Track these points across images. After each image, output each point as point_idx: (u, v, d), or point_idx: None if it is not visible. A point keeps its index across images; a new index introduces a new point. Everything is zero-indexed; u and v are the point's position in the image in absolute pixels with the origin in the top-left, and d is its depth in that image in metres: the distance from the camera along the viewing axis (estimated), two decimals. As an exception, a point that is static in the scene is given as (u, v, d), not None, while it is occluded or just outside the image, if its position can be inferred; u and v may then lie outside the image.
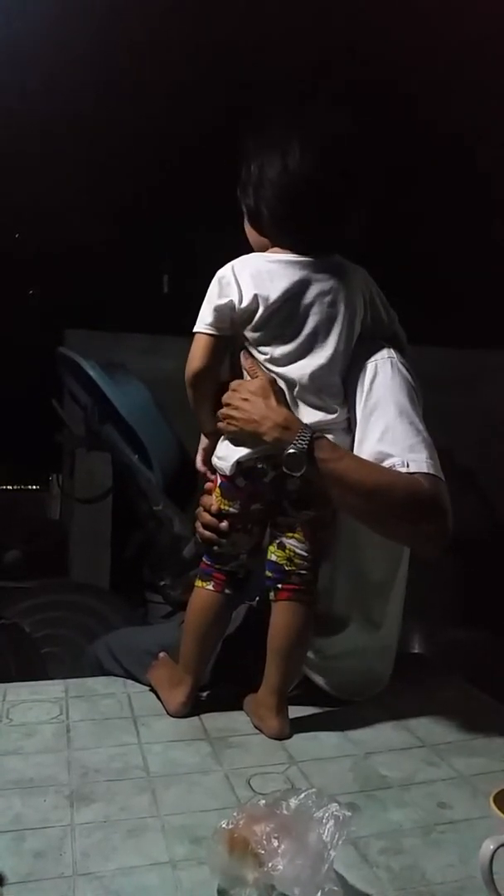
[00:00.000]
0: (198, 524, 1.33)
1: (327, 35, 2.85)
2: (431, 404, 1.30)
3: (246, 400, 1.22)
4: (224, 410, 1.25)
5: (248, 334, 1.25)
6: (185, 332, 1.30)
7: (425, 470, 1.18)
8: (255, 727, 1.28)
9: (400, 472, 1.18)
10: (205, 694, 1.37)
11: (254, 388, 1.23)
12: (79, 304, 3.56)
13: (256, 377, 1.25)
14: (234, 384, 1.27)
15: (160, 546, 2.69)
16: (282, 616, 1.26)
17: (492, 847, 0.81)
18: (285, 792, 0.89)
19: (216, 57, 2.98)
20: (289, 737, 1.25)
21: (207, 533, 1.30)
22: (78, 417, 2.94)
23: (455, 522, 1.18)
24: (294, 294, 1.23)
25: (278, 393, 1.23)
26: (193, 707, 1.32)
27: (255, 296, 1.22)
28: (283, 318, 1.23)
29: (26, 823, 0.99)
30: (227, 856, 0.83)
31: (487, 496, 3.07)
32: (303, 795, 0.86)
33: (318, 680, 1.36)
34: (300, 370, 1.23)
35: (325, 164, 1.22)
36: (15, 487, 3.96)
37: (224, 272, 1.25)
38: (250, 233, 1.32)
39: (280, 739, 1.25)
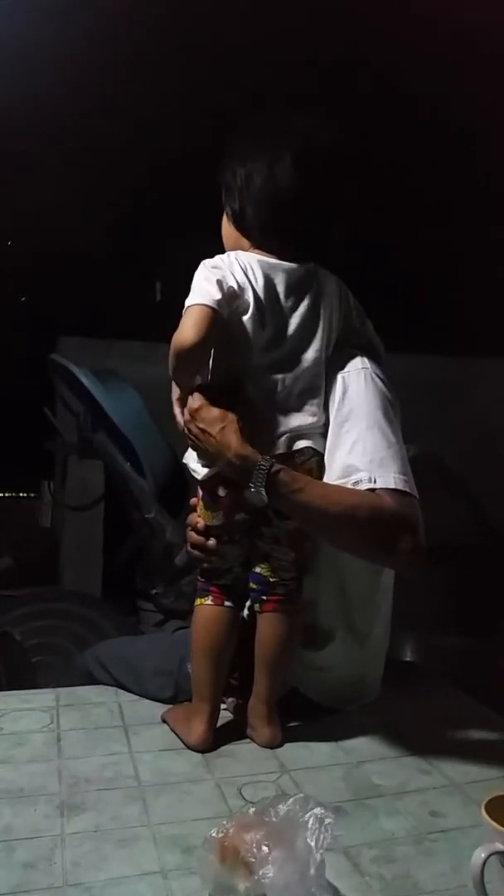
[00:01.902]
0: (188, 546, 1.31)
1: (325, 34, 2.86)
2: (423, 411, 1.30)
3: (203, 431, 1.19)
4: (187, 427, 1.23)
5: (235, 328, 1.20)
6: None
7: (392, 486, 1.15)
8: (247, 736, 1.27)
9: (364, 492, 1.16)
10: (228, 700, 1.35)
11: (211, 418, 1.18)
12: (72, 311, 3.56)
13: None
14: (192, 406, 1.21)
15: (152, 554, 2.68)
16: (268, 627, 1.26)
17: (483, 855, 0.81)
18: (274, 798, 0.88)
19: (214, 60, 2.99)
20: (280, 745, 1.25)
21: (196, 552, 1.28)
22: (70, 425, 2.94)
23: (446, 529, 1.18)
24: (277, 294, 1.23)
25: (236, 423, 1.17)
26: (216, 739, 1.25)
27: (246, 284, 1.20)
28: (268, 316, 1.22)
29: (16, 833, 0.98)
30: (219, 865, 0.83)
31: (479, 503, 3.08)
32: (290, 801, 0.86)
33: (308, 692, 1.35)
34: (283, 372, 1.23)
35: (312, 173, 1.22)
36: (6, 495, 3.95)
37: (213, 260, 1.23)
38: (228, 233, 1.32)
39: (272, 748, 1.24)
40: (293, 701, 1.33)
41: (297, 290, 1.24)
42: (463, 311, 3.43)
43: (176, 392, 1.29)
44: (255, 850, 0.80)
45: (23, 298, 4.13)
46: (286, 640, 1.26)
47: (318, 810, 0.83)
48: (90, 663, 1.55)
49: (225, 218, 1.32)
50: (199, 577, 1.29)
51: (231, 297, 1.19)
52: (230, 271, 1.21)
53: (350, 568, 1.33)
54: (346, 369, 1.26)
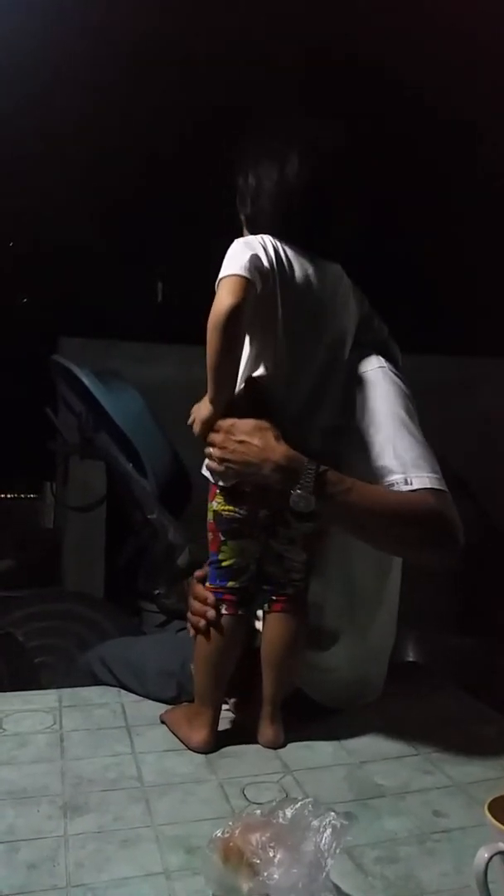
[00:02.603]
0: (189, 614, 1.27)
1: (327, 27, 2.86)
2: (425, 411, 1.30)
3: (242, 442, 1.16)
4: (217, 452, 1.19)
5: (265, 310, 1.18)
6: (180, 339, 1.29)
7: (429, 486, 1.17)
8: (251, 735, 1.27)
9: (405, 493, 1.17)
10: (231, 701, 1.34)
11: (248, 428, 1.17)
12: (73, 311, 3.56)
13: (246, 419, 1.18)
14: (223, 424, 1.19)
15: (154, 555, 2.68)
16: (276, 627, 1.26)
17: (486, 855, 0.81)
18: (281, 801, 0.88)
19: (214, 60, 2.99)
20: (283, 746, 1.25)
21: (195, 618, 1.25)
22: (72, 425, 2.93)
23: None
24: (306, 280, 1.21)
25: (275, 430, 1.17)
26: (217, 741, 1.25)
27: (276, 264, 1.18)
28: (298, 300, 1.20)
29: (19, 834, 0.98)
30: (222, 865, 0.83)
31: (481, 502, 3.07)
32: (298, 805, 0.86)
33: (312, 693, 1.35)
34: (308, 365, 1.22)
35: (322, 174, 1.23)
36: (8, 496, 3.95)
37: (246, 238, 1.22)
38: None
39: (275, 748, 1.24)
40: (296, 701, 1.33)
41: (320, 282, 1.23)
42: (463, 310, 3.43)
43: (204, 411, 1.23)
44: (260, 851, 0.80)
45: (24, 299, 4.13)
46: (293, 640, 1.26)
47: (331, 815, 0.83)
48: (93, 663, 1.55)
49: (244, 227, 1.31)
50: (210, 584, 1.26)
51: (263, 273, 1.15)
52: (263, 249, 1.18)
53: (359, 568, 1.33)
54: (363, 368, 1.27)
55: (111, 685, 1.48)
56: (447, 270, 3.47)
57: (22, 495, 3.91)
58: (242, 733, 1.28)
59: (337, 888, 0.86)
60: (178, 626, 1.48)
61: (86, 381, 2.71)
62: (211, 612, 1.23)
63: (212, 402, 1.20)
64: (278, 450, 1.15)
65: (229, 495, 1.23)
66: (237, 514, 1.23)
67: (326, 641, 1.35)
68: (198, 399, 1.25)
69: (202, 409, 1.22)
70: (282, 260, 1.20)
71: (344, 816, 0.84)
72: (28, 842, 0.97)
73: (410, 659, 2.31)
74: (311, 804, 0.85)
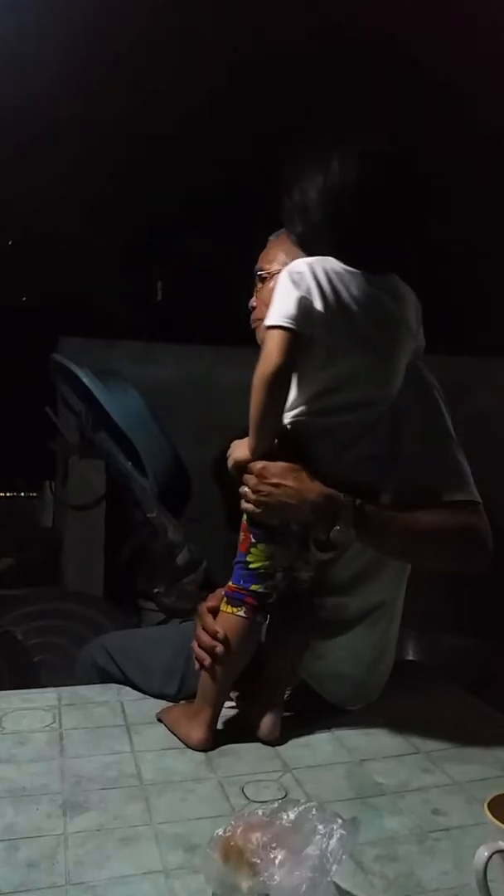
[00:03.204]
0: (195, 646, 1.26)
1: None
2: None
3: (277, 485, 1.17)
4: (252, 496, 1.20)
5: (319, 343, 1.17)
6: (179, 339, 1.29)
7: (465, 497, 1.22)
8: (249, 729, 1.26)
9: (442, 511, 1.21)
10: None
11: (280, 470, 1.19)
12: (73, 311, 3.56)
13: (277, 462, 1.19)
14: (254, 467, 1.20)
15: (154, 553, 2.68)
16: (282, 627, 1.27)
17: (486, 854, 0.81)
18: (284, 803, 0.89)
19: (215, 58, 2.98)
20: (281, 742, 1.25)
21: (201, 653, 1.23)
22: (72, 424, 2.94)
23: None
24: (364, 305, 1.18)
25: (304, 470, 1.19)
26: (216, 740, 1.24)
27: (332, 295, 1.16)
28: (354, 328, 1.18)
29: (19, 832, 0.98)
30: (222, 864, 0.83)
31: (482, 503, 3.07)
32: (302, 808, 0.86)
33: (318, 689, 1.35)
34: (366, 386, 1.21)
35: (376, 183, 1.19)
36: (8, 494, 3.95)
37: (298, 267, 1.18)
38: (295, 257, 1.26)
39: (272, 744, 1.24)
40: (300, 699, 1.33)
41: (381, 300, 1.20)
42: (463, 310, 3.43)
43: (240, 452, 1.24)
44: (261, 851, 0.80)
45: (24, 298, 4.13)
46: (298, 639, 1.29)
47: (338, 822, 0.83)
48: (96, 653, 1.55)
49: (292, 242, 1.28)
50: (233, 584, 1.25)
51: (314, 315, 1.15)
52: (315, 281, 1.16)
53: (383, 579, 1.34)
54: (416, 382, 1.28)
55: (114, 674, 1.48)
56: (446, 270, 3.47)
57: (22, 494, 3.91)
58: (244, 726, 1.28)
59: (337, 887, 0.86)
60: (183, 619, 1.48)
61: (86, 380, 2.72)
62: (220, 648, 1.22)
63: (251, 449, 1.22)
64: (314, 489, 1.17)
65: None
66: (272, 522, 1.23)
67: (336, 630, 1.34)
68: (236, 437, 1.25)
69: (238, 450, 1.24)
70: (335, 288, 1.17)
71: (351, 823, 0.84)
72: (27, 840, 0.97)
73: (410, 658, 2.31)
74: (316, 808, 0.85)
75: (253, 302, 1.50)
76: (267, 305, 1.44)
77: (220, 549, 2.67)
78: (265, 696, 1.27)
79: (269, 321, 1.17)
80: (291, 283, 1.17)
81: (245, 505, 1.22)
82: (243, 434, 1.24)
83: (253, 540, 1.24)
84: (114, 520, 3.02)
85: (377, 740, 1.28)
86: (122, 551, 2.89)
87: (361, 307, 1.18)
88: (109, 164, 3.35)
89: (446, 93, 3.05)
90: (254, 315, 1.50)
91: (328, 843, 0.81)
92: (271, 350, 1.16)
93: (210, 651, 1.22)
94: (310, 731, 1.29)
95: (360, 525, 1.16)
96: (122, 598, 2.88)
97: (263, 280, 1.48)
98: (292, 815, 0.85)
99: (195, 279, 3.57)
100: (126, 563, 2.86)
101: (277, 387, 1.17)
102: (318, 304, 1.16)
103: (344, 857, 0.82)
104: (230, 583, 1.26)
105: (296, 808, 0.85)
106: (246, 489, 1.21)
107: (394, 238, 1.22)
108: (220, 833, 0.84)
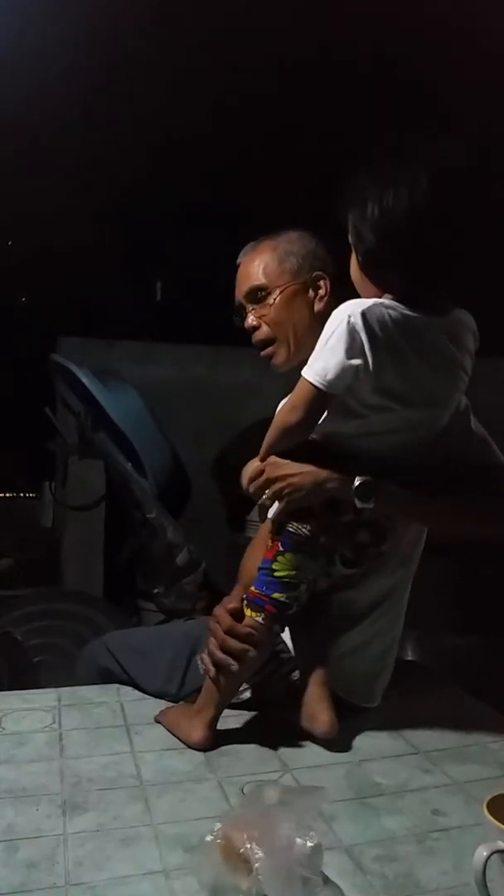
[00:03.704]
0: (210, 641, 1.23)
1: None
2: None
3: (285, 476, 1.19)
4: (268, 493, 1.20)
5: (363, 391, 1.15)
6: (179, 339, 1.28)
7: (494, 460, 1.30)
8: (303, 727, 1.26)
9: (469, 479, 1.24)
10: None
11: (282, 461, 1.20)
12: (72, 311, 3.56)
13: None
14: (258, 467, 1.22)
15: (153, 554, 2.68)
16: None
17: (485, 854, 0.81)
18: (257, 788, 0.90)
19: (216, 57, 2.98)
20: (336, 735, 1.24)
21: (222, 657, 1.21)
22: (71, 425, 2.94)
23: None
24: (423, 354, 1.16)
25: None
26: (216, 739, 1.24)
27: (387, 348, 1.12)
28: (409, 380, 1.16)
29: (19, 833, 0.98)
30: (220, 864, 0.83)
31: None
32: (270, 787, 0.87)
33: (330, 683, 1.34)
34: (414, 431, 1.21)
35: (456, 201, 1.11)
36: (7, 495, 3.95)
37: (355, 322, 1.11)
38: (356, 275, 1.22)
39: (331, 738, 1.23)
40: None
41: (440, 349, 1.18)
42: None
43: (252, 469, 1.25)
44: (250, 848, 0.81)
45: (23, 298, 4.13)
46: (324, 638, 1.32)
47: (311, 834, 0.83)
48: (97, 652, 1.55)
49: (353, 259, 1.21)
50: (255, 589, 1.24)
51: (357, 376, 1.12)
52: (366, 336, 1.11)
53: (392, 564, 1.35)
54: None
55: (116, 673, 1.48)
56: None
57: (21, 495, 3.91)
58: (242, 732, 1.28)
59: (336, 887, 0.87)
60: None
61: (85, 380, 2.71)
62: (252, 653, 1.21)
63: (260, 460, 1.24)
64: (323, 473, 1.19)
65: (300, 513, 1.23)
66: (301, 531, 1.23)
67: (346, 629, 1.35)
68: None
69: (249, 469, 1.25)
70: (393, 342, 1.13)
71: (315, 790, 0.85)
72: (27, 840, 0.97)
73: (410, 658, 2.31)
74: (289, 789, 0.87)
75: (252, 321, 1.44)
76: (278, 324, 1.40)
77: (220, 549, 2.68)
78: (312, 694, 1.26)
79: (307, 372, 1.14)
80: (346, 334, 1.11)
81: (272, 515, 1.23)
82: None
83: (280, 548, 1.23)
84: (113, 520, 3.01)
85: (376, 740, 1.28)
86: (121, 552, 2.89)
87: (419, 357, 1.16)
88: (110, 165, 3.35)
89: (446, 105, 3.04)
90: (256, 336, 1.45)
91: (298, 824, 0.83)
92: (300, 402, 1.15)
93: (239, 655, 1.21)
94: (302, 729, 1.29)
95: (380, 493, 1.17)
96: (121, 598, 2.88)
97: (263, 299, 1.42)
98: (275, 796, 0.85)
99: (195, 279, 3.58)
100: (125, 563, 2.86)
101: (296, 436, 1.19)
102: (369, 360, 1.12)
103: (316, 818, 0.83)
104: (252, 587, 1.25)
105: (268, 789, 0.86)
106: (264, 494, 1.22)
107: (465, 276, 1.18)
108: (212, 835, 0.85)
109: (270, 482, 1.21)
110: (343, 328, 1.11)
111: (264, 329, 1.43)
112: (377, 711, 1.37)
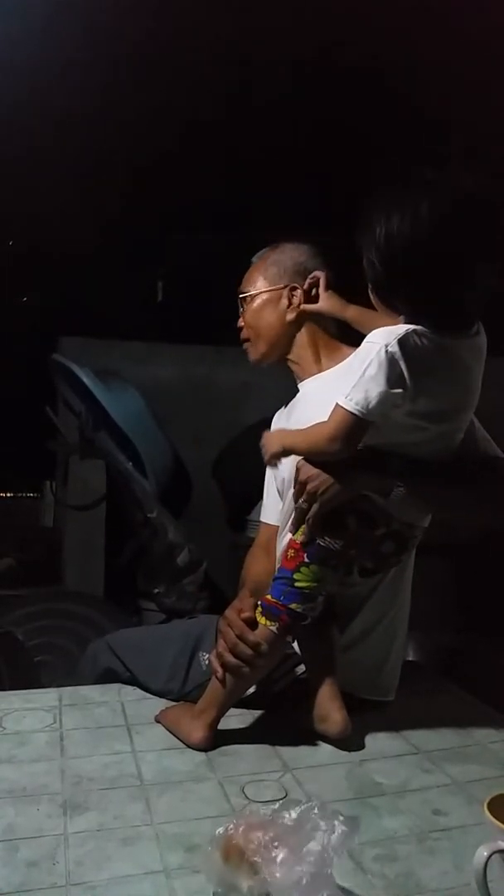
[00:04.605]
0: (220, 643, 1.23)
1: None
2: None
3: (319, 485, 1.19)
4: (306, 497, 1.20)
5: (399, 416, 1.16)
6: (180, 339, 1.28)
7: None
8: (316, 730, 1.26)
9: (484, 466, 1.27)
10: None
11: (315, 470, 1.21)
12: (73, 311, 3.57)
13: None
14: (301, 469, 1.21)
15: (154, 554, 2.68)
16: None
17: (486, 854, 0.81)
18: (286, 802, 0.89)
19: (216, 56, 2.98)
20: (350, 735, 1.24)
21: (234, 661, 1.21)
22: (72, 425, 2.94)
23: (446, 528, 1.20)
24: (453, 376, 1.18)
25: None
26: (216, 739, 1.24)
27: (422, 373, 1.13)
28: (439, 400, 1.18)
29: (19, 833, 0.99)
30: (223, 863, 0.83)
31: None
32: (304, 807, 0.86)
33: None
34: (436, 446, 1.22)
35: (475, 228, 1.11)
36: (8, 495, 3.95)
37: (394, 352, 1.10)
38: (378, 304, 1.23)
39: (345, 738, 1.23)
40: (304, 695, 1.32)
41: (467, 368, 1.19)
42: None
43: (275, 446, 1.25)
44: (262, 850, 0.80)
45: (24, 298, 4.14)
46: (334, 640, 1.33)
47: (339, 818, 0.83)
48: (100, 650, 1.56)
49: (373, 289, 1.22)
50: (271, 597, 1.23)
51: (396, 403, 1.13)
52: (405, 367, 1.11)
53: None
54: None
55: (118, 672, 1.48)
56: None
57: (22, 494, 3.92)
58: (242, 732, 1.28)
59: (337, 886, 0.87)
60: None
61: (86, 380, 2.72)
62: (261, 661, 1.21)
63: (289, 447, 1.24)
64: (351, 466, 1.19)
65: (332, 526, 1.22)
66: (333, 546, 1.22)
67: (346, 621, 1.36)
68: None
69: (273, 442, 1.25)
70: (428, 366, 1.13)
71: (351, 820, 0.84)
72: (28, 840, 0.97)
73: (410, 658, 2.31)
74: (318, 806, 0.85)
75: (240, 321, 1.54)
76: (251, 327, 1.51)
77: (221, 549, 2.68)
78: (322, 694, 1.26)
79: (347, 403, 1.13)
80: (385, 363, 1.11)
81: (311, 529, 1.21)
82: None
83: (306, 560, 1.22)
84: (114, 520, 3.01)
85: (377, 740, 1.28)
86: (122, 552, 2.89)
87: (451, 379, 1.18)
88: (111, 165, 3.35)
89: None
90: (242, 335, 1.54)
91: (329, 838, 0.81)
92: (340, 433, 1.15)
93: (248, 661, 1.21)
94: (310, 731, 1.28)
95: (408, 479, 1.18)
96: (122, 598, 2.88)
97: (245, 302, 1.51)
98: (294, 815, 0.85)
99: (196, 279, 3.58)
100: (126, 563, 2.86)
101: (330, 458, 1.18)
102: (409, 388, 1.12)
103: (344, 851, 0.82)
104: (268, 595, 1.24)
105: (297, 808, 0.85)
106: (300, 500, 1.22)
107: (482, 293, 1.15)
108: (221, 832, 0.84)
109: (303, 485, 1.21)
110: (382, 357, 1.11)
111: (244, 329, 1.54)
112: (377, 711, 1.37)
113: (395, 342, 1.11)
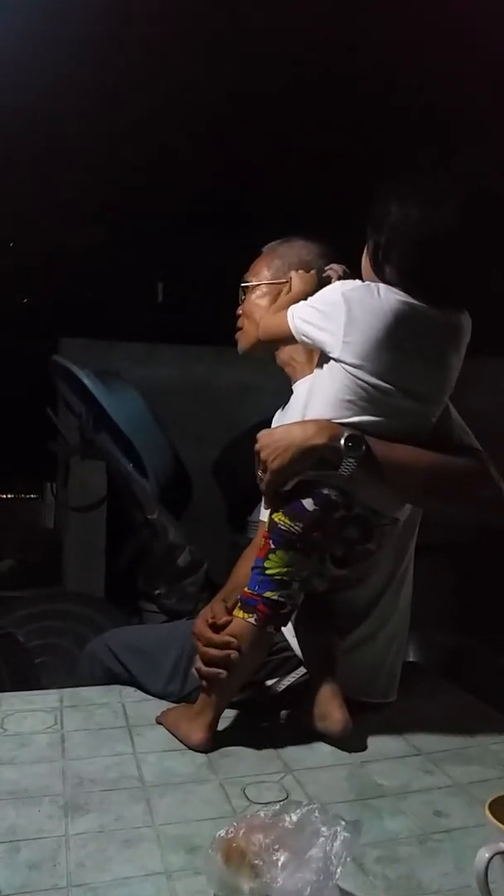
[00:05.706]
0: (197, 643, 1.25)
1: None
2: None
3: (269, 444, 1.20)
4: (259, 472, 1.22)
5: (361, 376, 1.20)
6: (180, 340, 1.29)
7: (474, 445, 1.31)
8: (317, 729, 1.26)
9: (452, 452, 1.25)
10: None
11: (268, 431, 1.25)
12: (73, 312, 3.57)
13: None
14: (261, 435, 1.24)
15: (155, 555, 2.68)
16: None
17: (487, 855, 0.81)
18: (286, 804, 0.89)
19: (216, 56, 2.98)
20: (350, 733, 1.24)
21: (214, 652, 1.22)
22: (72, 426, 2.94)
23: (447, 528, 1.20)
24: (422, 344, 1.21)
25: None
26: (217, 740, 1.24)
27: (372, 331, 1.18)
28: (402, 360, 1.20)
29: (21, 834, 0.98)
30: (224, 865, 0.83)
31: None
32: (305, 809, 0.85)
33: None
34: (403, 423, 1.22)
35: (478, 220, 1.18)
36: (8, 496, 3.95)
37: (334, 298, 1.21)
38: (366, 267, 1.27)
39: (345, 736, 1.23)
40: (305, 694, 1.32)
41: (437, 340, 1.22)
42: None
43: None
44: (263, 853, 0.80)
45: (25, 299, 4.14)
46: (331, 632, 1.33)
47: (341, 824, 0.83)
48: (99, 650, 1.56)
49: (365, 253, 1.27)
50: (248, 589, 1.24)
51: (327, 341, 1.20)
52: (345, 315, 1.18)
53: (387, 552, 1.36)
54: None
55: (118, 672, 1.48)
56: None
57: (22, 495, 3.92)
58: (243, 733, 1.28)
59: (339, 889, 0.86)
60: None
61: (86, 381, 2.72)
62: (235, 655, 1.20)
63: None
64: (309, 430, 1.20)
65: (291, 511, 1.22)
66: (293, 528, 1.22)
67: (351, 623, 1.36)
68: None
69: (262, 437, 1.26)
70: (381, 313, 1.18)
71: (353, 825, 0.84)
72: (29, 841, 0.97)
73: (411, 659, 2.31)
74: (318, 810, 0.85)
75: (239, 310, 1.54)
76: (247, 317, 1.50)
77: (221, 550, 2.67)
78: (323, 693, 1.26)
79: (292, 317, 1.24)
80: (325, 311, 1.21)
81: (261, 474, 1.23)
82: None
83: (272, 546, 1.23)
84: (114, 521, 3.02)
85: (378, 742, 1.28)
86: (122, 553, 2.89)
87: (419, 348, 1.20)
88: (111, 165, 3.35)
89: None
90: (237, 324, 1.54)
91: (332, 845, 0.81)
92: (274, 330, 1.30)
93: (222, 663, 1.21)
94: (311, 733, 1.28)
95: (364, 456, 1.17)
96: (123, 599, 2.88)
97: (245, 292, 1.52)
98: (295, 818, 0.85)
99: (196, 280, 3.58)
100: (127, 564, 2.86)
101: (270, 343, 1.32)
102: (340, 332, 1.18)
103: (347, 859, 0.82)
104: (245, 588, 1.25)
105: (298, 810, 0.85)
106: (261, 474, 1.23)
107: (473, 279, 1.22)
108: (223, 834, 0.84)
109: (257, 454, 1.22)
110: (333, 301, 1.21)
111: (240, 318, 1.54)
112: (378, 712, 1.37)
113: (350, 289, 1.20)
